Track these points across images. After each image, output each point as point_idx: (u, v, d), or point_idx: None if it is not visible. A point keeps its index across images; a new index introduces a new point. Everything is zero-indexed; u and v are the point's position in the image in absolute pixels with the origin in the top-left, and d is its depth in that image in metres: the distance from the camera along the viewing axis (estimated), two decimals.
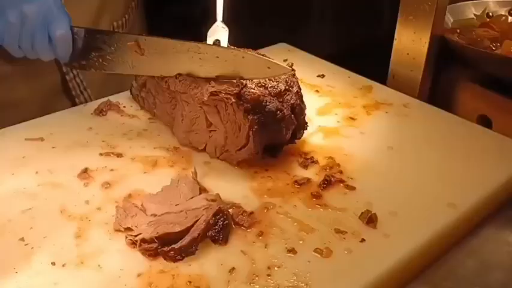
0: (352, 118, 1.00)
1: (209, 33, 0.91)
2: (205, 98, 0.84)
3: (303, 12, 1.46)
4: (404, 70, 1.12)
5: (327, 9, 1.45)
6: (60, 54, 0.91)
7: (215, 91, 0.83)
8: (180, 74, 0.89)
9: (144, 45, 0.89)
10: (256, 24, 1.42)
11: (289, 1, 1.44)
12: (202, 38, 0.96)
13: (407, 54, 1.11)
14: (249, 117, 0.81)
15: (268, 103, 0.82)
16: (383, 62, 1.20)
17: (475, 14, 1.24)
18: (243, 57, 0.84)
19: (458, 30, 1.16)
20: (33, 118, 0.99)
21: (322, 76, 1.17)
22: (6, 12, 0.86)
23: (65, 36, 0.89)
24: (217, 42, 0.91)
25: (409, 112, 1.03)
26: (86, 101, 1.13)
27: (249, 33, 1.13)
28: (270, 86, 0.84)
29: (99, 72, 0.95)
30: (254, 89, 0.83)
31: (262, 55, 0.89)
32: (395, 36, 1.12)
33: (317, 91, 1.10)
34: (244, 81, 0.84)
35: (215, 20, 0.93)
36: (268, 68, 0.83)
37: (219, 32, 0.92)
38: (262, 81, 0.85)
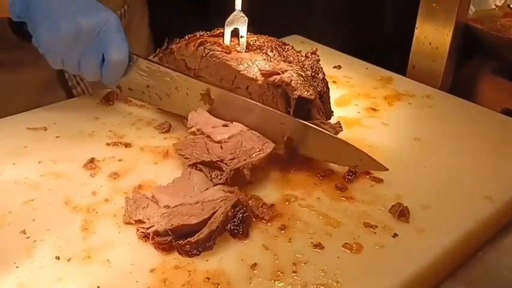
0: (373, 109, 0.95)
1: (227, 22, 0.86)
2: (260, 82, 0.79)
3: (316, 4, 1.41)
4: (426, 60, 1.07)
5: (341, 1, 1.40)
6: (108, 79, 0.83)
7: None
8: None
9: (216, 96, 0.81)
10: (270, 15, 1.37)
11: None
12: (207, 27, 0.91)
13: (430, 44, 1.05)
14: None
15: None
16: (399, 53, 1.15)
17: (496, 5, 1.19)
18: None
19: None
20: (28, 109, 0.93)
21: (339, 67, 1.11)
22: (58, 23, 0.76)
23: (121, 63, 0.81)
24: (236, 31, 0.86)
25: (432, 103, 0.97)
26: (84, 92, 1.08)
27: (262, 24, 1.08)
28: (304, 74, 0.79)
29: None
30: (297, 80, 0.77)
31: (282, 44, 0.84)
32: (417, 25, 1.07)
33: (334, 82, 1.05)
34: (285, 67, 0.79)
35: (233, 10, 0.88)
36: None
37: (238, 21, 0.86)
38: (297, 70, 0.79)
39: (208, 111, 0.83)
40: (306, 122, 0.77)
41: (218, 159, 0.73)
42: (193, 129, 0.80)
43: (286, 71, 0.78)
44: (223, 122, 0.80)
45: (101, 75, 0.82)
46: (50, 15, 0.77)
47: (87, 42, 0.78)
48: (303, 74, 0.80)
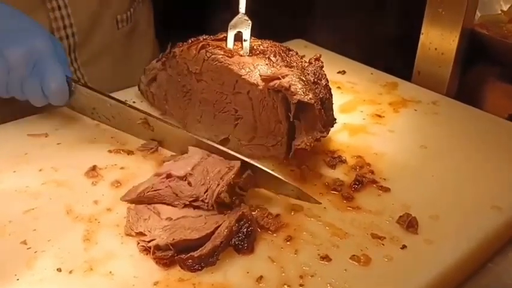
0: (378, 115, 0.94)
1: (231, 25, 0.85)
2: (260, 87, 0.77)
3: (321, 8, 1.40)
4: (432, 66, 1.06)
5: (345, 5, 1.39)
6: (54, 103, 0.82)
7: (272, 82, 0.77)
8: None
9: (154, 124, 0.82)
10: (274, 19, 1.36)
11: None
12: (212, 31, 0.90)
13: (435, 49, 1.04)
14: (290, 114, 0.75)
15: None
16: (404, 58, 1.14)
17: (502, 10, 1.18)
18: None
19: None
20: (31, 114, 0.92)
21: (343, 72, 1.10)
22: None
23: (60, 90, 0.80)
24: (239, 35, 0.85)
25: (438, 110, 0.96)
26: None
27: (266, 28, 1.07)
28: (305, 79, 0.78)
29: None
30: (297, 85, 0.76)
31: (286, 49, 0.83)
32: (422, 30, 1.05)
33: (339, 87, 1.04)
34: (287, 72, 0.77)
35: (236, 12, 0.86)
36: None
37: (241, 24, 0.85)
38: (298, 75, 0.78)
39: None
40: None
41: (192, 198, 0.69)
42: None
43: (286, 75, 0.77)
44: (179, 156, 0.78)
45: (47, 101, 0.82)
46: None
47: (21, 72, 0.78)
48: (303, 78, 0.78)
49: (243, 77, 0.79)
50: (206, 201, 0.68)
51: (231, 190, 0.69)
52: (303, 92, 0.74)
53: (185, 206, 0.69)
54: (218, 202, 0.68)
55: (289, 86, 0.74)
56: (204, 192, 0.69)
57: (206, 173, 0.71)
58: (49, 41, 0.80)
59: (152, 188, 0.71)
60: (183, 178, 0.71)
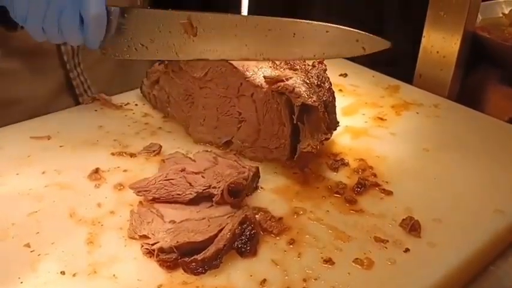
0: (380, 118, 0.94)
1: None
2: (264, 89, 0.78)
3: (322, 11, 1.40)
4: (433, 69, 1.06)
5: (346, 8, 1.39)
6: (91, 38, 0.78)
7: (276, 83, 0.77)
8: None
9: (198, 23, 0.75)
10: None
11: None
12: None
13: (437, 52, 1.04)
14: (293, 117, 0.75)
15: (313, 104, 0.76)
16: (405, 61, 1.14)
17: (503, 13, 1.18)
18: (327, 31, 0.69)
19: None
20: (35, 116, 0.93)
21: (345, 75, 1.10)
22: None
23: (99, 17, 0.76)
24: None
25: (440, 112, 0.96)
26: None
27: None
28: (309, 82, 0.78)
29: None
30: (301, 87, 0.76)
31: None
32: (424, 33, 1.05)
33: (340, 90, 1.04)
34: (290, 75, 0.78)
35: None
36: (357, 41, 0.68)
37: None
38: (302, 78, 0.78)
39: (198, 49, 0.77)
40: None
41: (205, 187, 0.70)
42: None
43: (290, 78, 0.77)
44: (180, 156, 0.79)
45: (83, 37, 0.78)
46: None
47: (62, 2, 0.75)
48: (307, 81, 0.79)
49: (247, 79, 0.79)
50: (219, 187, 0.69)
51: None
52: (307, 95, 0.75)
53: (191, 201, 0.70)
54: (230, 190, 0.69)
55: (293, 89, 0.75)
56: (217, 182, 0.70)
57: (217, 174, 0.73)
58: None
59: (165, 177, 0.72)
60: (197, 173, 0.73)
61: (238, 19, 0.74)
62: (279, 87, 0.76)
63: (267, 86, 0.78)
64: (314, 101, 0.75)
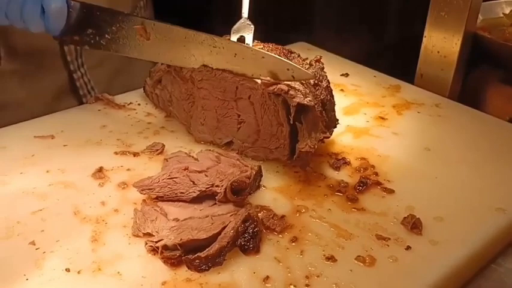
0: (382, 118, 0.95)
1: (234, 29, 0.86)
2: (260, 91, 0.79)
3: (323, 11, 1.41)
4: (434, 69, 1.06)
5: (348, 8, 1.40)
6: (51, 28, 0.83)
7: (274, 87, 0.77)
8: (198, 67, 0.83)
9: (151, 30, 0.83)
10: (277, 22, 1.37)
11: (309, 0, 1.39)
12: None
13: (438, 52, 1.05)
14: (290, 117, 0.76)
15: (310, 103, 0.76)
16: (406, 61, 1.15)
17: (504, 13, 1.19)
18: (263, 57, 0.78)
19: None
20: (37, 116, 0.93)
21: (346, 75, 1.11)
22: None
23: (60, 10, 0.81)
24: (242, 39, 0.86)
25: (441, 112, 0.97)
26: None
27: (269, 31, 1.08)
28: (305, 82, 0.79)
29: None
30: (296, 88, 0.76)
31: (288, 52, 0.84)
32: (425, 33, 1.06)
33: (342, 90, 1.05)
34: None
35: (238, 19, 0.87)
36: (288, 70, 0.77)
37: (244, 29, 0.86)
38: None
39: (150, 51, 0.84)
40: (258, 48, 0.79)
41: (208, 185, 0.71)
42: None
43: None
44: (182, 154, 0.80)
45: (44, 26, 0.82)
46: None
47: None
48: (303, 81, 0.79)
49: (241, 82, 0.80)
50: (222, 185, 0.70)
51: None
52: (302, 95, 0.75)
53: (194, 199, 0.70)
54: (233, 188, 0.70)
55: (288, 90, 0.75)
56: (220, 181, 0.71)
57: (220, 172, 0.73)
58: None
59: (169, 175, 0.72)
60: (200, 172, 0.73)
61: (187, 32, 0.81)
62: (274, 89, 0.77)
63: (262, 88, 0.78)
64: (310, 100, 0.75)
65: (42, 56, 1.00)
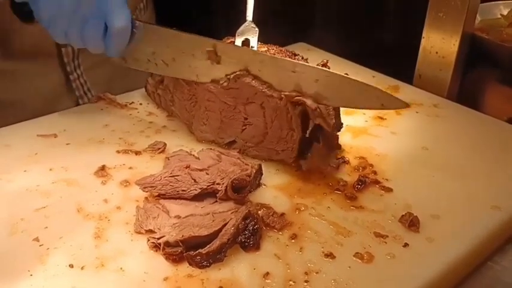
0: (381, 118, 0.96)
1: (238, 32, 0.86)
2: (276, 99, 0.78)
3: (323, 11, 1.42)
4: (433, 70, 1.07)
5: (347, 8, 1.41)
6: (112, 49, 0.80)
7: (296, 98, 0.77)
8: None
9: (222, 53, 0.80)
10: (276, 23, 1.38)
11: (309, 1, 1.40)
12: (214, 37, 0.92)
13: (436, 53, 1.06)
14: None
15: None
16: (405, 61, 1.16)
17: (501, 14, 1.20)
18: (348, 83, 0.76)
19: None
20: (40, 115, 0.94)
21: (346, 75, 1.11)
22: None
23: (124, 30, 0.78)
24: (246, 42, 0.86)
25: (440, 112, 0.98)
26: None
27: (268, 31, 1.09)
28: None
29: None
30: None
31: (292, 54, 0.85)
32: (423, 34, 1.07)
33: None
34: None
35: (239, 21, 0.88)
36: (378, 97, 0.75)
37: (248, 32, 0.87)
38: None
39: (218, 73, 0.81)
40: (320, 68, 0.78)
41: (210, 183, 0.72)
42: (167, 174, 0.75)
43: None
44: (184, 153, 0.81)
45: (105, 46, 0.80)
46: None
47: (89, 11, 0.76)
48: None
49: (263, 90, 0.79)
50: (223, 183, 0.71)
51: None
52: (328, 118, 0.75)
53: (195, 197, 0.71)
54: (234, 186, 0.71)
55: (316, 108, 0.75)
56: (221, 179, 0.72)
57: (221, 171, 0.74)
58: None
59: (170, 173, 0.74)
60: (201, 170, 0.74)
61: (263, 57, 0.78)
62: (298, 101, 0.77)
63: (279, 97, 0.78)
64: (328, 125, 0.75)
65: (38, 56, 1.00)
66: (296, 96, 0.77)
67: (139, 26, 0.82)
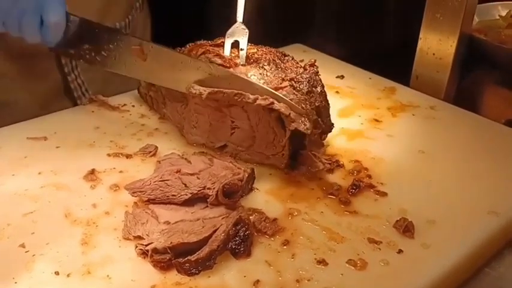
0: (376, 120, 0.94)
1: (228, 33, 0.85)
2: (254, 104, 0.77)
3: (317, 13, 1.41)
4: (430, 71, 1.06)
5: (343, 10, 1.39)
6: (47, 40, 0.83)
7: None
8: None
9: (148, 51, 0.83)
10: (272, 24, 1.36)
11: (305, 2, 1.39)
12: (208, 37, 0.90)
13: (433, 54, 1.04)
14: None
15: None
16: (402, 63, 1.15)
17: (500, 15, 1.19)
18: (257, 89, 0.76)
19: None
20: (31, 117, 0.92)
21: (342, 77, 1.10)
22: None
23: (59, 23, 0.81)
24: (236, 43, 0.85)
25: (436, 114, 0.97)
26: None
27: (265, 33, 1.08)
28: (299, 89, 0.78)
29: (99, 69, 0.89)
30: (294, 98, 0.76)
31: (282, 55, 0.84)
32: (420, 35, 1.06)
33: (337, 92, 1.04)
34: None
35: (234, 21, 0.87)
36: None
37: (238, 33, 0.85)
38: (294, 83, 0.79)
39: (144, 71, 0.85)
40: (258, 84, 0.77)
41: (200, 188, 0.71)
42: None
43: (282, 88, 0.77)
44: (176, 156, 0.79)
45: (41, 37, 0.82)
46: None
47: (26, 4, 0.78)
48: (297, 94, 0.78)
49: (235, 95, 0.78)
50: (214, 188, 0.69)
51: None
52: (302, 121, 0.74)
53: (186, 202, 0.70)
54: (225, 191, 0.69)
55: (289, 114, 0.74)
56: (212, 183, 0.71)
57: (213, 175, 0.73)
58: None
59: (161, 178, 0.72)
60: (192, 174, 0.73)
61: (184, 58, 0.82)
62: (272, 108, 0.75)
63: (255, 104, 0.76)
64: (307, 128, 0.74)
65: (36, 57, 0.99)
66: (269, 104, 0.75)
67: (74, 20, 0.85)
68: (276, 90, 0.76)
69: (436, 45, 1.04)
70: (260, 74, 0.80)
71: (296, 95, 0.77)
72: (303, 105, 0.76)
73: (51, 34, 0.82)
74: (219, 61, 0.81)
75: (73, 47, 0.87)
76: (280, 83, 0.78)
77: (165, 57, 0.83)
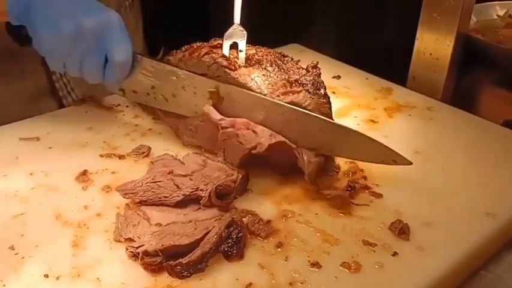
0: (373, 121, 0.93)
1: (226, 35, 0.84)
2: None
3: (314, 13, 1.40)
4: (427, 71, 1.05)
5: (340, 10, 1.39)
6: (111, 81, 0.79)
7: None
8: None
9: (224, 93, 0.78)
10: (269, 24, 1.36)
11: (302, 2, 1.38)
12: (202, 38, 0.89)
13: (430, 54, 1.04)
14: None
15: None
16: (399, 63, 1.14)
17: (497, 15, 1.18)
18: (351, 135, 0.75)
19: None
20: (17, 119, 0.91)
21: (338, 77, 1.10)
22: (60, 23, 0.73)
23: (125, 64, 0.77)
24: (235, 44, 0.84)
25: (433, 115, 0.96)
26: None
27: (261, 33, 1.07)
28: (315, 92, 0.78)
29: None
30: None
31: (281, 55, 0.82)
32: (417, 35, 1.05)
33: (333, 92, 1.03)
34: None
35: (227, 20, 0.86)
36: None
37: (236, 35, 0.84)
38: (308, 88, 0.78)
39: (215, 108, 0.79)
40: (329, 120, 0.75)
41: (193, 189, 0.70)
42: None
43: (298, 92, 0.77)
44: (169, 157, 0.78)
45: (103, 78, 0.79)
46: (51, 16, 0.74)
47: (90, 43, 0.75)
48: (314, 97, 0.77)
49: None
50: (207, 189, 0.69)
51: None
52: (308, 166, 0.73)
53: (178, 204, 0.69)
54: (218, 192, 0.69)
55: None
56: (205, 184, 0.70)
57: (206, 176, 0.72)
58: (120, 17, 0.78)
59: (152, 179, 0.71)
60: (185, 176, 0.72)
61: (268, 102, 0.75)
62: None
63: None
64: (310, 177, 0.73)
65: (20, 57, 0.97)
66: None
67: (141, 59, 0.81)
68: (291, 95, 0.75)
69: (433, 45, 1.03)
70: (264, 75, 0.79)
71: (313, 98, 0.76)
72: (322, 109, 0.75)
73: (116, 74, 0.78)
74: (225, 63, 0.80)
75: (140, 88, 0.83)
76: (291, 86, 0.78)
77: (243, 99, 0.77)
